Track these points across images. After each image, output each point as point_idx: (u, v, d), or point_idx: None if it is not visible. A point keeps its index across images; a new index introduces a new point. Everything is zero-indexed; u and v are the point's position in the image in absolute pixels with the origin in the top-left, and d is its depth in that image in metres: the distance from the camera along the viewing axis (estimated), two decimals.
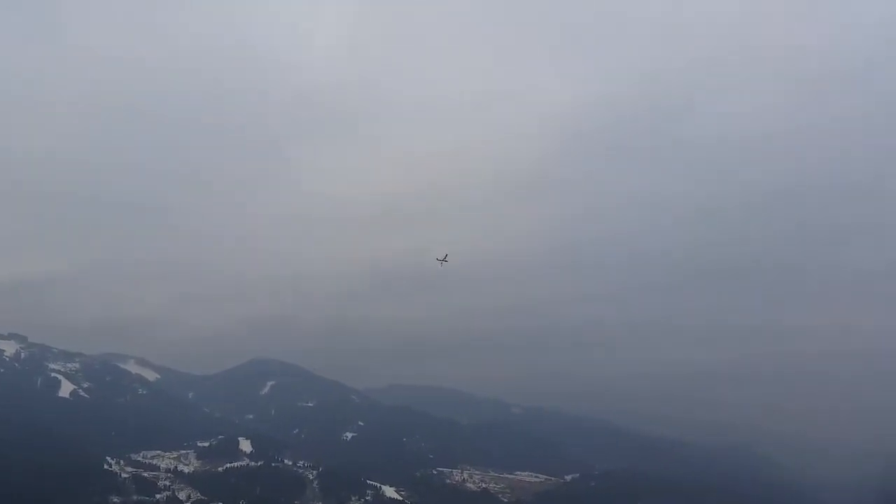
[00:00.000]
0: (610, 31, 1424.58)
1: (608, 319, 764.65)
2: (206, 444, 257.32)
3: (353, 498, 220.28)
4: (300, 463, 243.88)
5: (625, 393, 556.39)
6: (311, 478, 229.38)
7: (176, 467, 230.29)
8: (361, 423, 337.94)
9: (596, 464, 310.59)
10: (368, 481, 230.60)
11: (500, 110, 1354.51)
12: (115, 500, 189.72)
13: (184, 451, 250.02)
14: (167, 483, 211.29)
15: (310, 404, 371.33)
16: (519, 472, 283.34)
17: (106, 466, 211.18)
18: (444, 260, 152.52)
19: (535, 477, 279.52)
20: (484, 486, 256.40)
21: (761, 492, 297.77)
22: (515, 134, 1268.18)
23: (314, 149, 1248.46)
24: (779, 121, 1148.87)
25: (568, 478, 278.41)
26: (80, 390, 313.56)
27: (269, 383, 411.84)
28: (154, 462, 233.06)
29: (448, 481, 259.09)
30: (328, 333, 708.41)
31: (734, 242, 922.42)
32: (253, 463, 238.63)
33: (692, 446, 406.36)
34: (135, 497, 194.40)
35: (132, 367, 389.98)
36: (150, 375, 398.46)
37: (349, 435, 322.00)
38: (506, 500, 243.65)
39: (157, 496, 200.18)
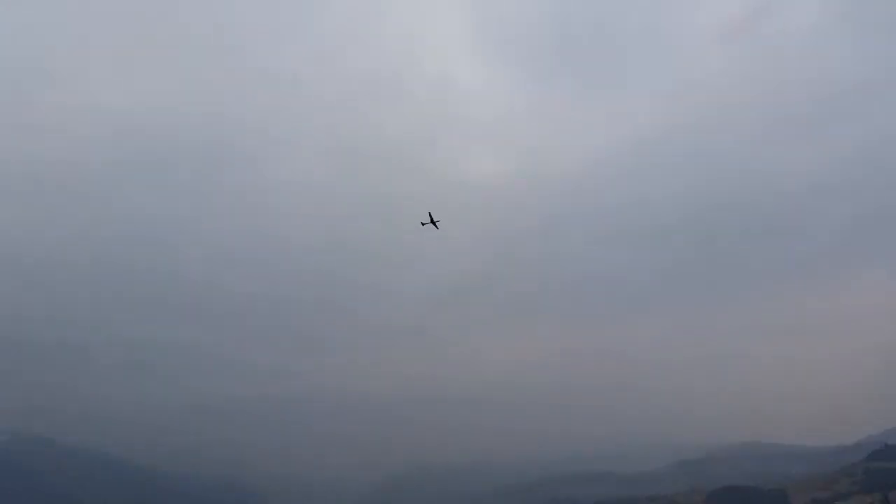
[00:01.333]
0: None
1: (141, 344, 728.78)
2: None
3: None
4: None
5: (131, 423, 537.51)
6: None
7: None
8: None
9: (86, 498, 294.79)
10: None
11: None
12: None
13: None
14: None
15: None
16: None
17: None
18: (434, 223, 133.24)
19: None
20: None
21: None
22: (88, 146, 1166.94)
23: None
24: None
25: None
26: None
27: None
28: None
29: None
30: None
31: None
32: None
33: (189, 479, 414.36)
34: None
35: None
36: None
37: None
38: None
39: None
